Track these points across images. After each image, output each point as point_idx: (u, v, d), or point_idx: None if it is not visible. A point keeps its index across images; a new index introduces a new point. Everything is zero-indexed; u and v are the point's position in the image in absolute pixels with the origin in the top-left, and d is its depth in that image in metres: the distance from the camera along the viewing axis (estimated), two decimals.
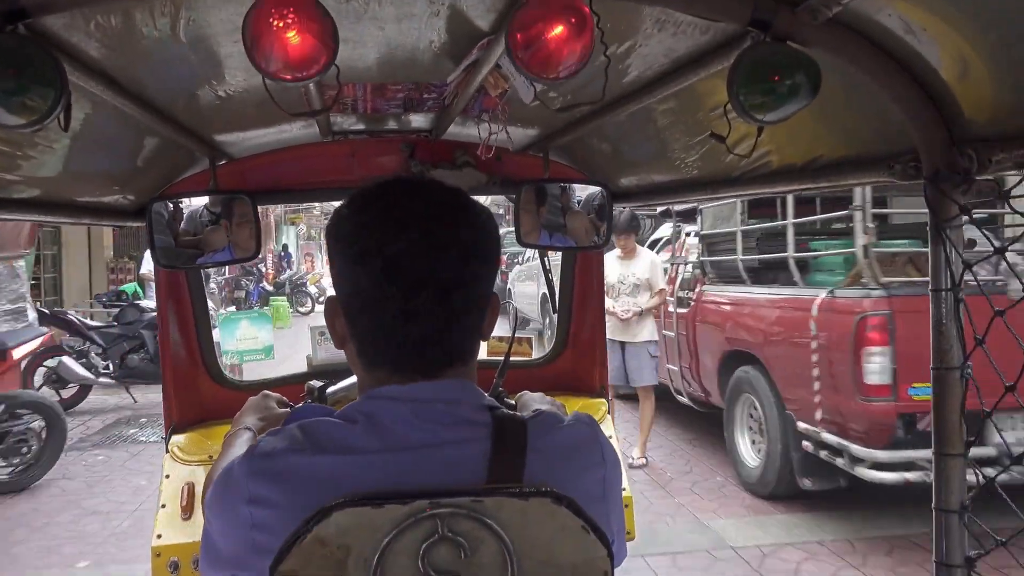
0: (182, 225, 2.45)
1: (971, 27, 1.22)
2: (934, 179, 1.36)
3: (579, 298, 3.02)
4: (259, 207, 2.48)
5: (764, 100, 1.30)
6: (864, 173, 1.61)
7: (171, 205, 2.44)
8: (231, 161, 2.61)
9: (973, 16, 1.19)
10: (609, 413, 2.90)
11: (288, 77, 1.22)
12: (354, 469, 1.07)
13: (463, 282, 1.10)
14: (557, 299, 3.09)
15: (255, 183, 2.60)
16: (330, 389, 2.43)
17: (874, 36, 1.31)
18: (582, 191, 2.72)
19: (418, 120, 2.58)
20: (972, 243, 1.38)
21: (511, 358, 2.47)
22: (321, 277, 26.35)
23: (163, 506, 2.47)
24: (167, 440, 2.67)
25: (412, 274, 1.07)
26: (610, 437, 2.68)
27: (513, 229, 2.67)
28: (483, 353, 3.35)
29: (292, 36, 1.17)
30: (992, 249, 1.27)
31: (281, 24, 1.16)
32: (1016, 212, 1.19)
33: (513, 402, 2.11)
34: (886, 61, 1.33)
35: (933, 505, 1.42)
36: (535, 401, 2.02)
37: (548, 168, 2.71)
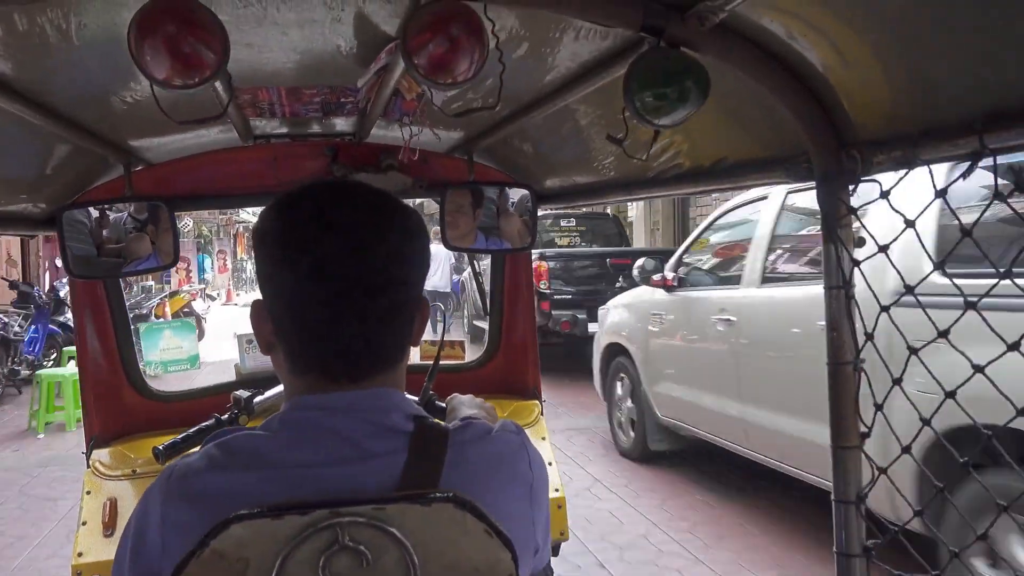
0: (96, 233, 2.39)
1: (851, 33, 1.26)
2: (824, 180, 1.40)
3: (510, 300, 3.04)
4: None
5: (657, 104, 1.32)
6: (763, 174, 1.65)
7: (84, 213, 2.38)
8: (147, 167, 2.56)
9: (852, 23, 1.23)
10: (542, 414, 2.91)
11: (177, 83, 1.20)
12: (272, 485, 1.05)
13: (391, 284, 1.10)
14: (488, 302, 3.10)
15: (173, 189, 2.55)
16: (257, 399, 2.39)
17: (761, 41, 1.35)
18: (509, 193, 2.74)
19: (341, 123, 2.56)
20: (861, 241, 1.42)
21: (443, 362, 2.47)
22: (192, 299, 17.88)
23: (84, 523, 2.41)
24: (88, 455, 2.60)
25: (339, 275, 1.06)
26: (543, 439, 2.70)
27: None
28: (416, 357, 3.34)
29: (178, 41, 1.15)
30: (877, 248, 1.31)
31: (167, 29, 1.14)
32: (896, 211, 1.23)
33: (444, 405, 2.11)
34: (773, 66, 1.37)
35: (832, 497, 1.46)
36: (465, 405, 2.02)
37: (473, 170, 2.72)
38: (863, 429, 1.43)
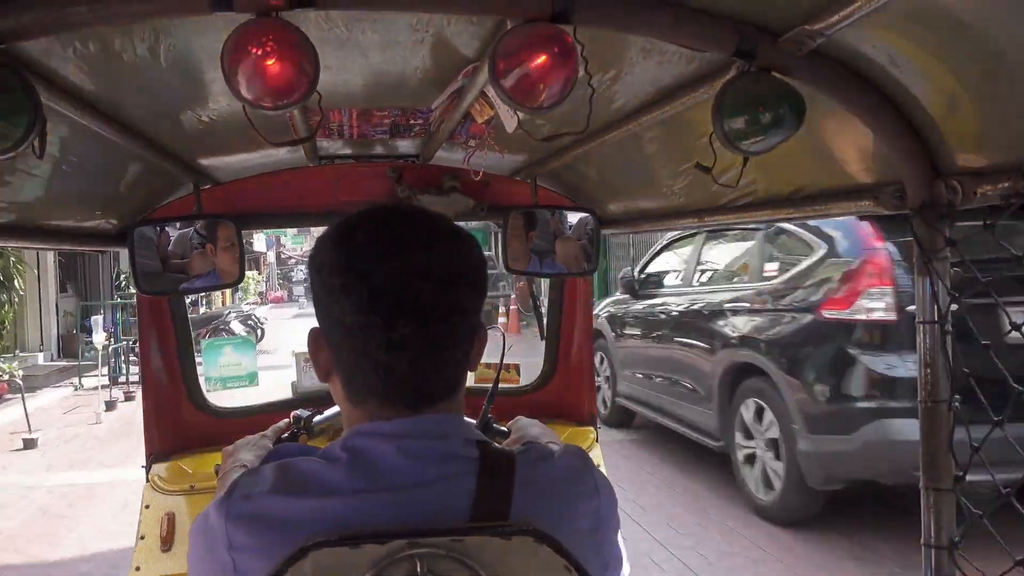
0: (164, 251, 2.42)
1: (956, 61, 1.21)
2: (920, 210, 1.35)
3: (567, 324, 3.00)
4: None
5: (749, 130, 1.29)
6: (849, 202, 1.60)
7: (154, 230, 2.41)
8: (215, 185, 2.59)
9: (957, 50, 1.18)
10: (597, 441, 2.86)
11: (268, 105, 1.20)
12: (337, 511, 1.04)
13: (448, 311, 1.08)
14: (545, 325, 3.07)
15: (240, 207, 2.57)
16: (317, 418, 2.39)
17: (858, 68, 1.31)
18: (570, 217, 2.71)
19: (405, 145, 2.57)
20: (957, 275, 1.37)
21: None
22: None
23: (142, 537, 2.42)
24: (147, 469, 2.62)
25: (396, 303, 1.05)
26: (598, 466, 2.64)
27: None
28: (470, 380, 3.30)
29: (272, 64, 1.15)
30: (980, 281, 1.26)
31: (260, 52, 1.14)
32: (1002, 245, 1.18)
33: (505, 428, 2.09)
34: (870, 93, 1.32)
35: (922, 541, 1.40)
36: (531, 427, 2.01)
37: (536, 194, 2.70)
38: (957, 472, 1.37)
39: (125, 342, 14.09)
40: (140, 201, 2.44)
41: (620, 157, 2.30)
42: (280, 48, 1.14)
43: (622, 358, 8.63)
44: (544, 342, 3.08)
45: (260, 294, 33.61)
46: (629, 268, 9.35)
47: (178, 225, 2.45)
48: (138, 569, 2.39)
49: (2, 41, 1.09)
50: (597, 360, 8.83)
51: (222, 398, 2.95)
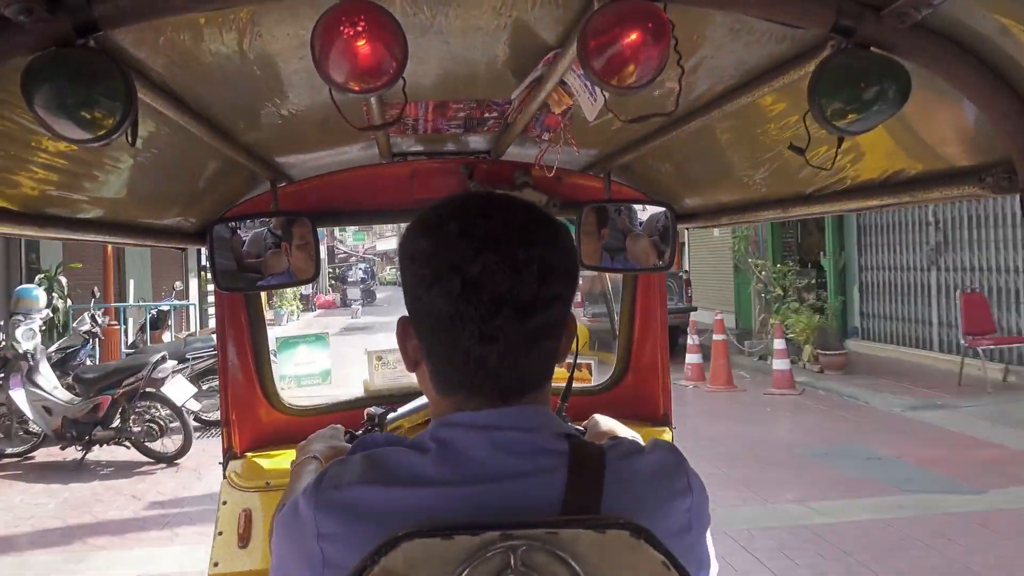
0: (242, 248, 2.46)
1: None
2: None
3: (641, 321, 2.95)
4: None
5: (849, 108, 1.24)
6: (951, 186, 1.52)
7: (231, 227, 2.44)
8: (291, 183, 2.62)
9: None
10: (672, 442, 2.80)
11: (356, 87, 1.19)
12: (427, 501, 1.03)
13: (541, 303, 1.07)
14: (617, 322, 3.02)
15: (315, 205, 2.60)
16: (391, 415, 2.40)
17: (963, 40, 1.24)
18: (644, 212, 2.66)
19: (476, 141, 2.56)
20: None
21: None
22: None
23: (220, 533, 2.46)
24: (224, 466, 2.66)
25: (490, 295, 1.04)
26: None
27: None
28: None
29: (362, 45, 1.14)
30: None
31: (352, 32, 1.13)
32: None
33: (580, 428, 2.06)
34: (978, 68, 1.25)
35: None
36: (604, 422, 1.99)
37: (609, 189, 2.66)
38: None
39: None
40: (218, 199, 2.48)
41: (697, 148, 2.24)
42: (371, 28, 1.13)
43: None
44: (616, 340, 3.03)
45: (303, 298, 27.01)
46: None
47: (255, 223, 2.48)
48: (216, 565, 2.43)
49: (100, 28, 1.10)
50: None
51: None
